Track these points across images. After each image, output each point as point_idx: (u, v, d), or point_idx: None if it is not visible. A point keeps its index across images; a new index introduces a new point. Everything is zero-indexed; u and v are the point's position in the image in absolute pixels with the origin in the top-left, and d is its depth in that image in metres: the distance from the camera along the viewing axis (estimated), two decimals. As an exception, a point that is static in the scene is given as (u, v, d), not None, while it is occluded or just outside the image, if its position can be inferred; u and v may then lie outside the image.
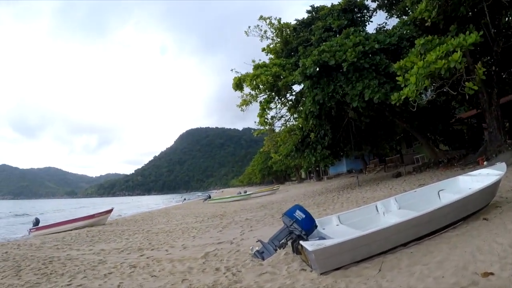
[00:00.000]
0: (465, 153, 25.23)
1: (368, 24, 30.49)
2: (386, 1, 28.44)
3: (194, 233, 15.97)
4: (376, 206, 9.41)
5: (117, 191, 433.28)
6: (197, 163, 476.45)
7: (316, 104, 22.27)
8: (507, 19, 19.42)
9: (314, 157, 27.01)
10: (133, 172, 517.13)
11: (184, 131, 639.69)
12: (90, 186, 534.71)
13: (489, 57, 22.38)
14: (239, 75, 28.68)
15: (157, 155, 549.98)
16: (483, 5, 18.37)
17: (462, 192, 8.83)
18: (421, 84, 14.23)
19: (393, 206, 9.43)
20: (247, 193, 49.15)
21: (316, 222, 7.93)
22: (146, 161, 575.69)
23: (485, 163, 18.70)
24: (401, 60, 16.03)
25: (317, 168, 55.00)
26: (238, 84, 28.34)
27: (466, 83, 13.38)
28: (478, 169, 15.88)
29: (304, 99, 26.03)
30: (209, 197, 55.77)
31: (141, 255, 11.38)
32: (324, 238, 7.34)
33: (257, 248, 7.14)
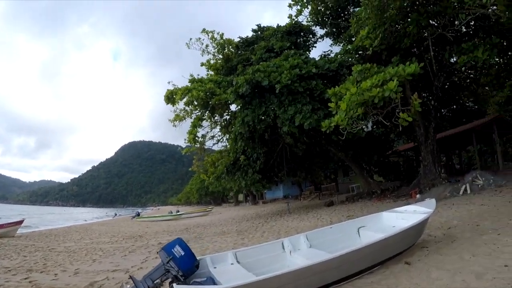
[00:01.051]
0: (399, 185, 24.98)
1: (312, 49, 29.87)
2: (334, 30, 27.83)
3: (97, 255, 14.64)
4: (283, 243, 8.05)
5: (50, 200, 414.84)
6: (136, 177, 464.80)
7: (245, 125, 21.16)
8: (453, 59, 18.94)
9: (244, 181, 25.92)
10: (69, 181, 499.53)
11: (127, 142, 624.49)
12: (22, 192, 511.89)
13: (429, 93, 22.08)
14: (172, 88, 27.18)
15: (96, 165, 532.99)
16: (428, 40, 18.07)
17: (385, 230, 8.05)
18: (353, 112, 13.35)
19: (303, 244, 8.13)
20: (179, 213, 47.89)
21: (208, 258, 6.93)
22: (84, 170, 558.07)
23: (417, 196, 18.59)
24: (337, 86, 15.16)
25: (253, 192, 53.85)
26: (170, 97, 26.78)
27: (401, 113, 12.58)
28: (410, 202, 15.49)
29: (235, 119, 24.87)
30: (138, 214, 54.11)
31: (25, 278, 10.11)
32: (212, 280, 6.17)
33: (128, 286, 5.82)
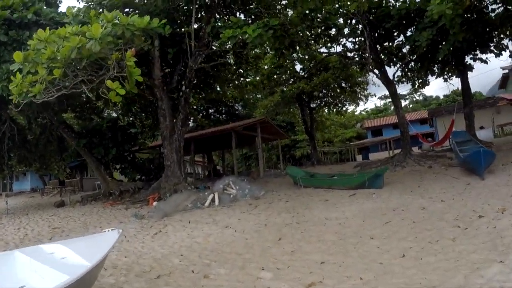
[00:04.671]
0: (141, 186, 20.34)
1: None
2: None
3: None
4: None
5: None
6: None
7: None
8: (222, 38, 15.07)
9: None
10: None
11: None
12: None
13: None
14: None
15: None
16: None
17: None
18: (44, 73, 8.28)
19: None
20: None
21: None
22: None
23: (154, 203, 15.05)
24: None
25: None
26: None
27: (108, 81, 7.82)
28: (144, 210, 13.85)
29: None
30: None
31: None
32: None
33: None
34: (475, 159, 12.57)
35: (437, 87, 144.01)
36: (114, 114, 27.22)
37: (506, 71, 34.29)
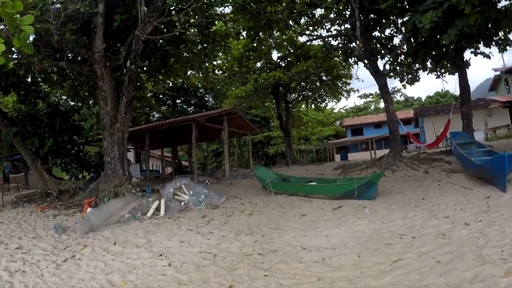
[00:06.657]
0: (82, 186, 16.93)
1: None
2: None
3: None
4: None
5: None
6: None
7: None
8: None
9: None
10: None
11: None
12: None
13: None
14: None
15: None
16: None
17: None
18: None
19: None
20: None
21: None
22: None
23: (89, 209, 11.82)
24: None
25: None
26: None
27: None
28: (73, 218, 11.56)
29: None
30: None
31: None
32: None
33: None
34: (497, 165, 9.44)
35: (419, 87, 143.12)
36: (72, 102, 23.72)
37: (498, 72, 32.97)
